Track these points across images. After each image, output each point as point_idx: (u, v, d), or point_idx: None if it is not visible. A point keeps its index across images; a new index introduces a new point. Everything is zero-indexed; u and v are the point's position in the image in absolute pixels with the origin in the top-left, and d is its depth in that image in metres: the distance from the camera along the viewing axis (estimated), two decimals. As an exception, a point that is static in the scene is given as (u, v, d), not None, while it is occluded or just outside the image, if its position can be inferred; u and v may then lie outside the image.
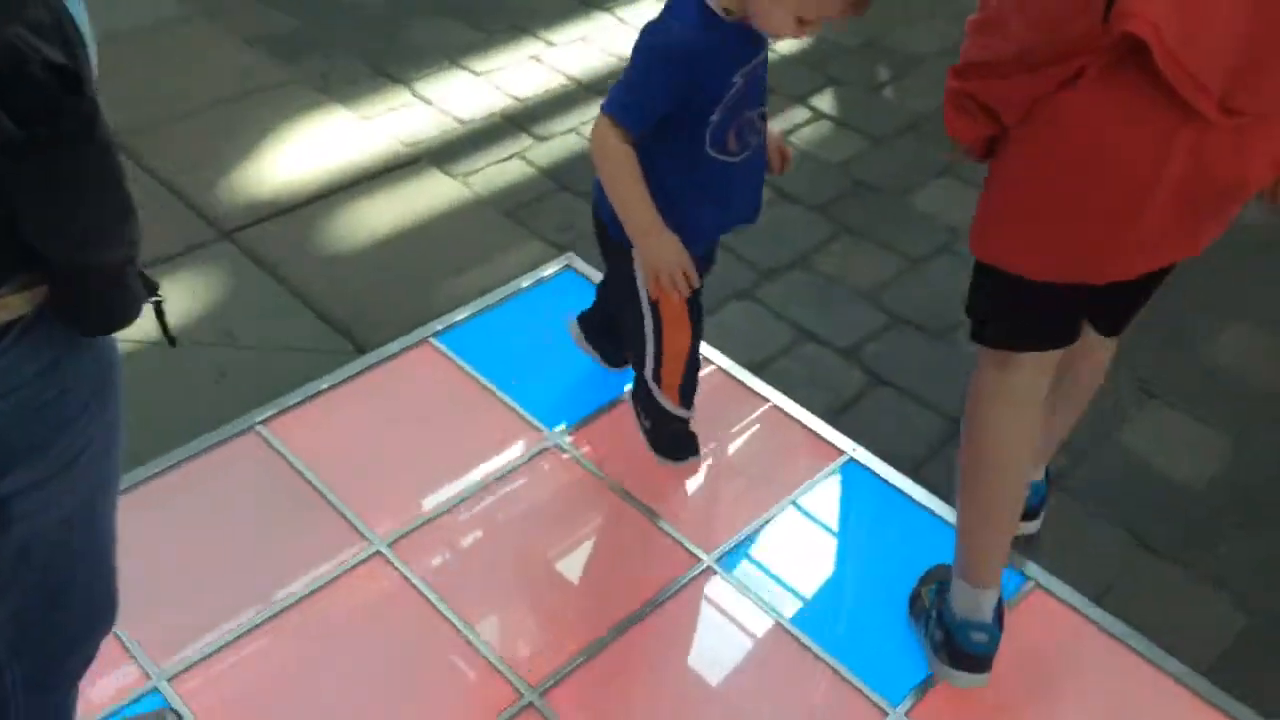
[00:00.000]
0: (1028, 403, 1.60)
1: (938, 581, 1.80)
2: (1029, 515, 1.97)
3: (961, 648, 1.68)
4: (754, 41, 1.62)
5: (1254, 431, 2.27)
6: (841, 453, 2.15)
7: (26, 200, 0.76)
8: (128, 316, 0.89)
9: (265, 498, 2.00)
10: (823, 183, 2.90)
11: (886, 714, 1.72)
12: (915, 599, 1.83)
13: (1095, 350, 1.74)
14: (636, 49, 1.58)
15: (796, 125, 3.13)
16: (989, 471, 1.62)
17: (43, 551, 0.92)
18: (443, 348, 2.31)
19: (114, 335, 0.93)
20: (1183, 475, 2.17)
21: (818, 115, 3.17)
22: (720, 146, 1.67)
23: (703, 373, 2.07)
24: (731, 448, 2.18)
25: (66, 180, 0.77)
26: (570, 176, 2.85)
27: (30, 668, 1.00)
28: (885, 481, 2.10)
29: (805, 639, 1.80)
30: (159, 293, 0.97)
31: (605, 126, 1.60)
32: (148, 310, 0.97)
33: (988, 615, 1.68)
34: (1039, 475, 2.00)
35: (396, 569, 1.88)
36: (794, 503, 2.05)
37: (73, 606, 1.02)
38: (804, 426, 2.20)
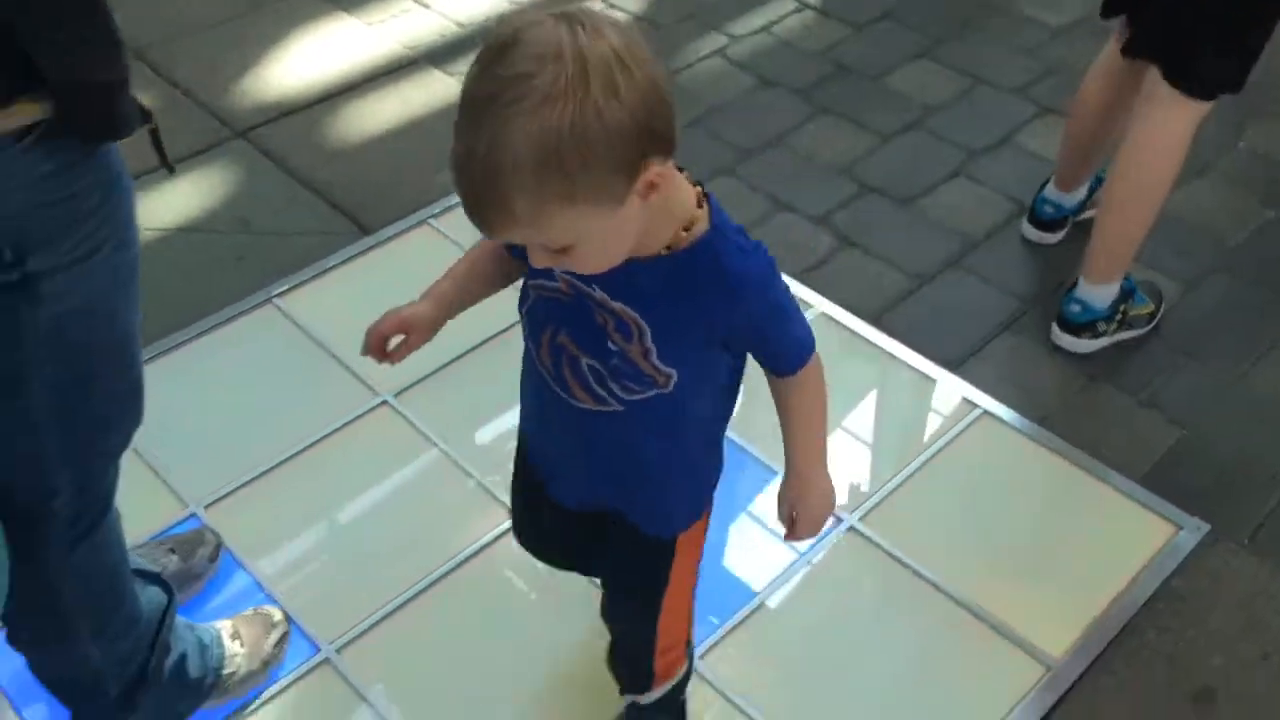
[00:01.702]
0: None
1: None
2: (1047, 227, 2.47)
3: (1035, 210, 2.47)
4: None
5: (1202, 277, 2.42)
6: (810, 306, 2.32)
7: (18, 16, 0.92)
8: (121, 133, 1.05)
9: (282, 361, 2.21)
10: (804, 68, 3.04)
11: (841, 521, 1.92)
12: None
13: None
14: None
15: (782, 16, 3.25)
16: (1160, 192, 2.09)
17: (71, 333, 1.11)
18: (440, 228, 2.50)
19: (119, 153, 1.11)
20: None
21: (803, 6, 3.29)
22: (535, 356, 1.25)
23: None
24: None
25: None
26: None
27: (68, 435, 1.20)
28: (850, 330, 2.28)
29: (759, 457, 2.00)
30: (153, 119, 1.14)
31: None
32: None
33: (1063, 203, 2.43)
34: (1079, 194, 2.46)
35: (402, 416, 2.09)
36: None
37: (100, 392, 1.21)
38: (776, 285, 2.37)
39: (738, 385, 1.26)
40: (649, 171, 0.95)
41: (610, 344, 1.14)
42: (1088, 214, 2.48)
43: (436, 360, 2.18)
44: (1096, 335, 2.22)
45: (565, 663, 1.75)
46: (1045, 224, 2.46)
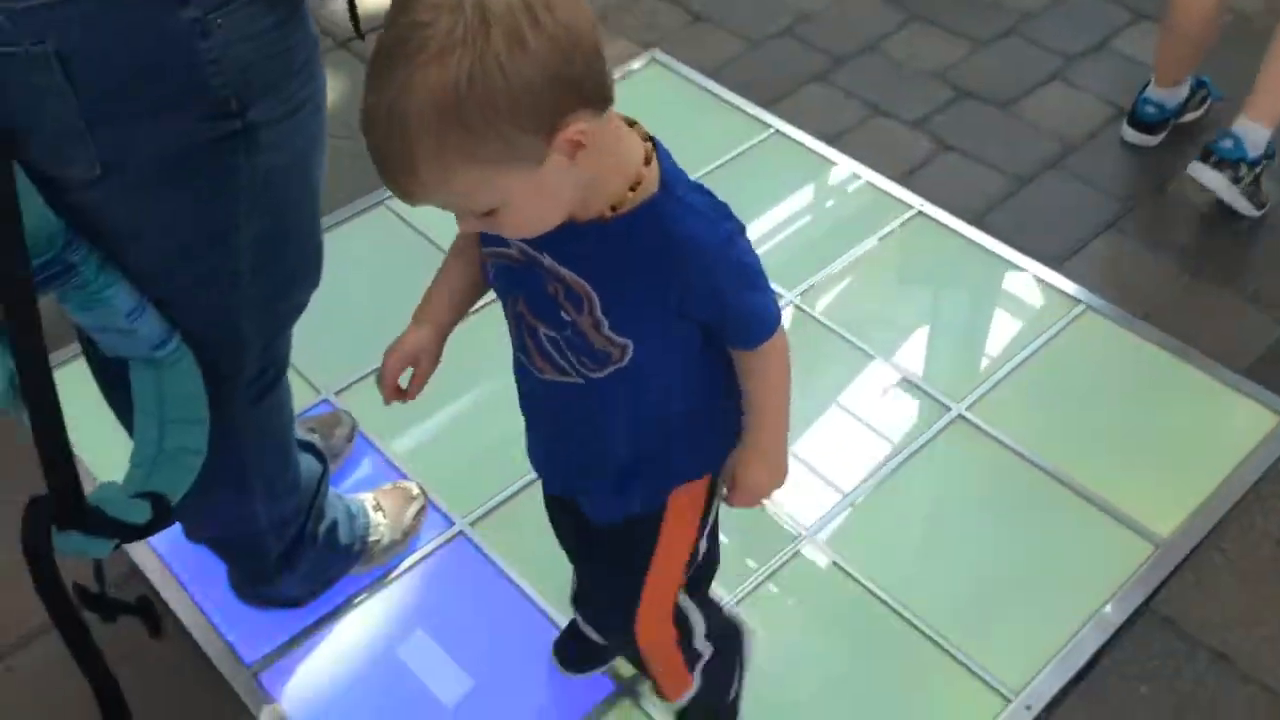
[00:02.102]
0: None
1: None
2: (1149, 129, 2.49)
3: (1136, 113, 2.48)
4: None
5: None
6: (910, 208, 2.36)
7: None
8: None
9: (394, 257, 2.28)
10: (894, -23, 3.03)
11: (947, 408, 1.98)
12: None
13: None
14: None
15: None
16: None
17: (276, 186, 1.18)
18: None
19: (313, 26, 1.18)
20: (1231, 215, 2.34)
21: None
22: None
23: (785, 149, 2.28)
24: (805, 207, 2.41)
25: None
26: (653, -19, 3.03)
27: (263, 289, 1.28)
28: (952, 230, 2.32)
29: (878, 358, 2.06)
30: None
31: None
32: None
33: (1165, 101, 2.44)
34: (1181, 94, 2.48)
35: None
36: (869, 251, 2.28)
37: (294, 249, 1.29)
38: (875, 187, 2.41)
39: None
40: (570, 129, 0.86)
41: (563, 314, 1.04)
42: (1189, 116, 2.49)
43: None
44: (1236, 179, 2.24)
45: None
46: (1147, 126, 2.47)
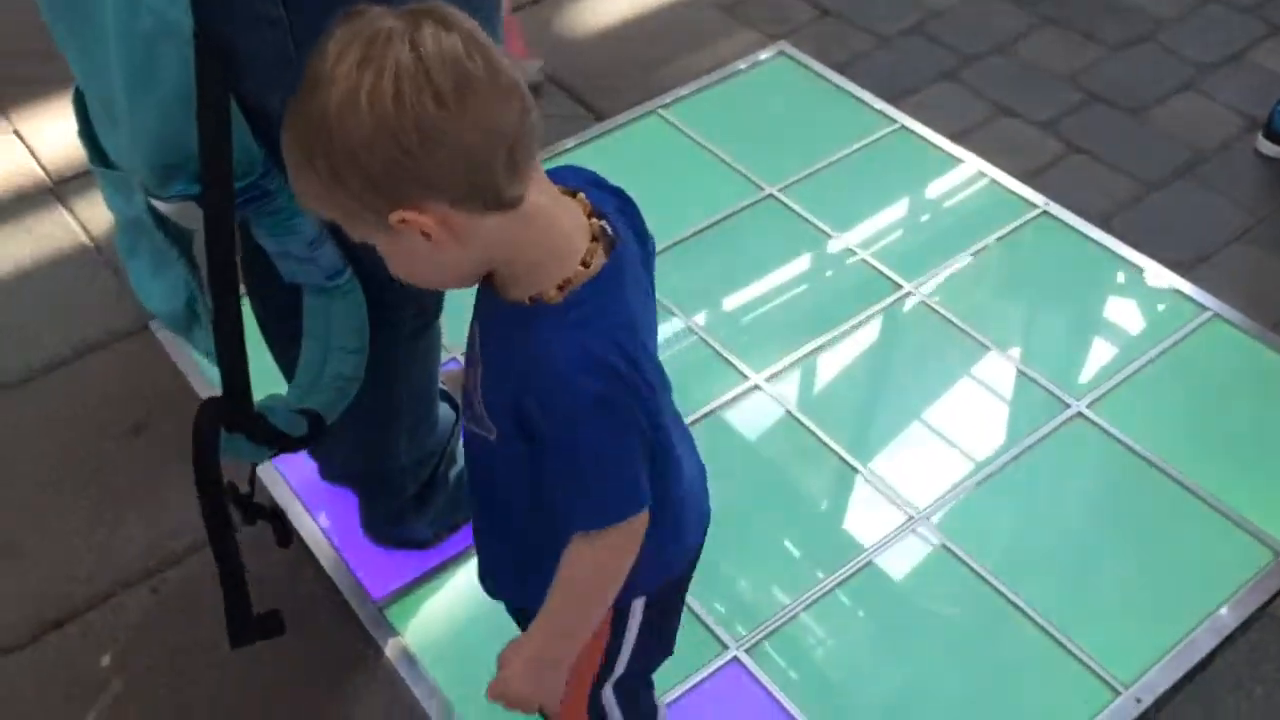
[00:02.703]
0: None
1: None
2: None
3: (1274, 125, 2.44)
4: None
5: None
6: (1035, 207, 2.37)
7: None
8: None
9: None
10: (1026, -20, 3.03)
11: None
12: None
13: None
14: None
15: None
16: None
17: None
18: (669, 116, 2.61)
19: None
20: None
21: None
22: None
23: (909, 145, 2.30)
24: (928, 202, 2.42)
25: None
26: (784, -26, 3.07)
27: None
28: (1077, 231, 2.31)
29: (997, 352, 2.07)
30: None
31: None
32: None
33: None
34: None
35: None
36: (992, 247, 2.29)
37: None
38: (1000, 185, 2.42)
39: None
40: (401, 214, 0.83)
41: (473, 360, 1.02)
42: None
43: (667, 242, 2.30)
44: None
45: (800, 513, 1.87)
46: None
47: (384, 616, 1.73)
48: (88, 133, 1.24)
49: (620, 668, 1.21)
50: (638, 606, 1.15)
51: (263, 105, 1.10)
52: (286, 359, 1.44)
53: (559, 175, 0.99)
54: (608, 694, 1.26)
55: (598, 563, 0.99)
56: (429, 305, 1.44)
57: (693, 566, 1.23)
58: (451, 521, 1.80)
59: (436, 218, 0.84)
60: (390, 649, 1.69)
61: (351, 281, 1.28)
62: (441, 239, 0.86)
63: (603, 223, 0.95)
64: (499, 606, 1.72)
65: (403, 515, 1.74)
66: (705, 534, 1.21)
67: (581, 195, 0.97)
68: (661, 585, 1.17)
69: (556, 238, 0.92)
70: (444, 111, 0.80)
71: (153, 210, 1.18)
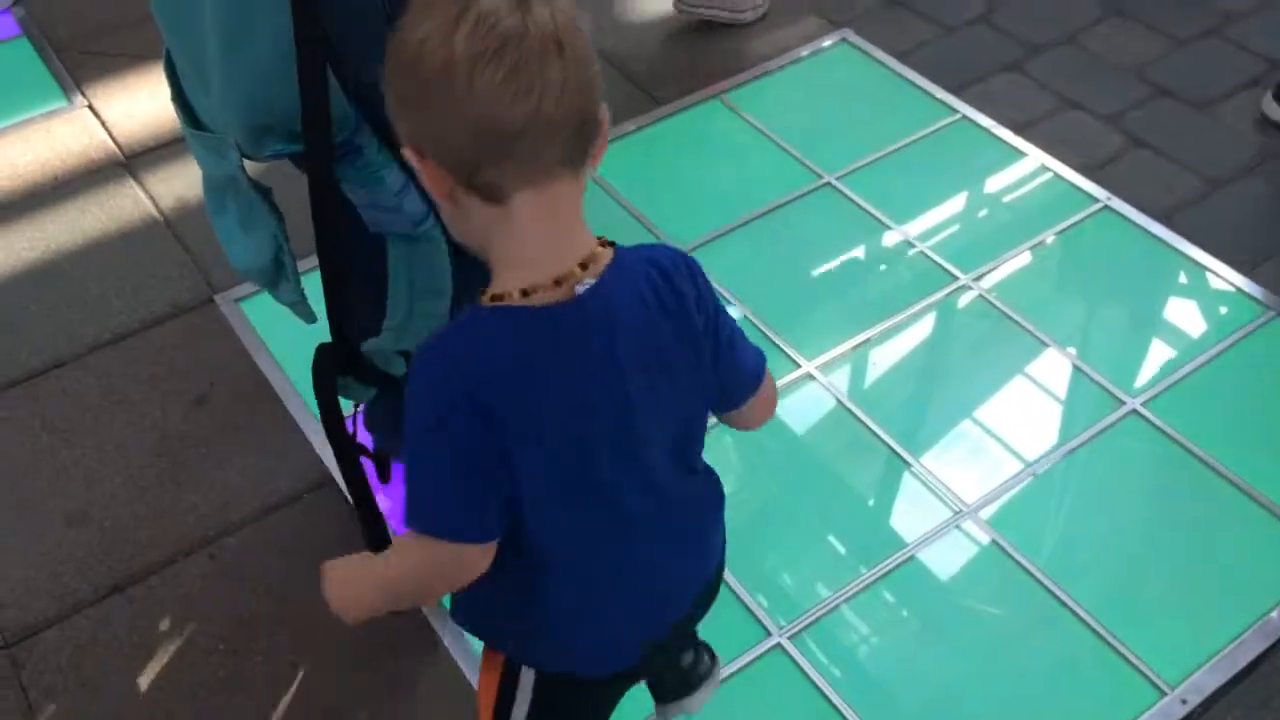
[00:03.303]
0: None
1: None
2: None
3: None
4: None
5: None
6: (1097, 201, 2.34)
7: None
8: None
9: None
10: (1095, -30, 2.99)
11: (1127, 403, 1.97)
12: None
13: None
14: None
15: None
16: None
17: None
18: (731, 101, 2.61)
19: None
20: None
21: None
22: None
23: (971, 136, 2.28)
24: (989, 193, 2.40)
25: None
26: (848, -39, 3.05)
27: None
28: (1138, 226, 2.29)
29: (1054, 347, 2.06)
30: None
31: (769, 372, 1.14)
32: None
33: None
34: None
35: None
36: (1051, 241, 2.27)
37: None
38: (1062, 178, 2.40)
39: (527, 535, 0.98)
40: (411, 150, 0.89)
41: None
42: None
43: (717, 229, 2.30)
44: None
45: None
46: None
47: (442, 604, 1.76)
48: (180, 98, 1.31)
49: None
50: (527, 677, 1.12)
51: (364, 78, 1.15)
52: (359, 309, 1.49)
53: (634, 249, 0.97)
54: None
55: (408, 559, 1.01)
56: None
57: (612, 686, 1.17)
58: None
59: (433, 172, 0.88)
60: (447, 634, 1.72)
61: (435, 227, 1.33)
62: (440, 195, 0.90)
63: (584, 278, 0.91)
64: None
65: None
66: (631, 664, 1.12)
67: (608, 245, 0.94)
68: (558, 673, 1.11)
69: (531, 249, 0.90)
70: (452, 81, 0.82)
71: (244, 168, 1.26)
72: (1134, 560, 1.79)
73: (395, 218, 1.29)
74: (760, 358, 1.10)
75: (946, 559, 1.79)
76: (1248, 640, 1.67)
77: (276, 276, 1.40)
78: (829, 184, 2.39)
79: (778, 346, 2.08)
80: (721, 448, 1.93)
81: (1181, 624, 1.70)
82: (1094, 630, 1.69)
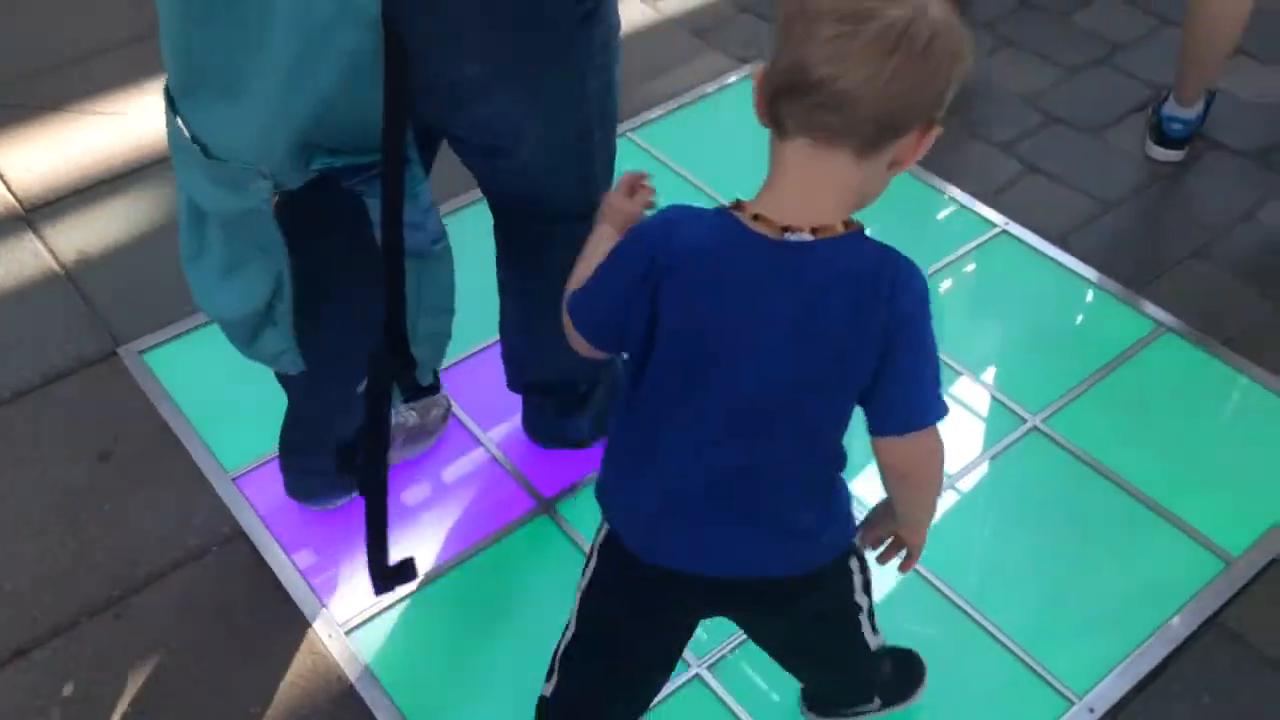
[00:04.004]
0: None
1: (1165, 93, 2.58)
2: (1177, 145, 2.54)
3: (1163, 131, 2.52)
4: None
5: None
6: (995, 226, 2.40)
7: None
8: None
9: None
10: (990, 3, 3.08)
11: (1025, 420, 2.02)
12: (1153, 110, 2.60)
13: None
14: (929, 314, 1.07)
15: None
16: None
17: (607, 45, 1.37)
18: (638, 139, 2.64)
19: None
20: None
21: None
22: None
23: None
24: (891, 223, 2.45)
25: None
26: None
27: (604, 144, 1.47)
28: (1035, 249, 2.35)
29: (955, 367, 2.10)
30: None
31: (939, 438, 1.13)
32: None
33: (1188, 117, 2.50)
34: (1199, 108, 2.54)
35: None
36: (951, 266, 2.33)
37: (613, 100, 1.46)
38: (961, 205, 2.46)
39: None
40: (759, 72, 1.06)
41: None
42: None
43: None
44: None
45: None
46: (1177, 143, 2.54)
47: (349, 641, 1.74)
48: (180, 137, 1.31)
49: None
50: (598, 537, 1.27)
51: (451, 77, 1.25)
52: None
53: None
54: None
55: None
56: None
57: (649, 603, 1.25)
58: (605, 423, 1.92)
59: (758, 88, 1.02)
60: (354, 672, 1.70)
61: (447, 247, 1.40)
62: (757, 109, 1.03)
63: (803, 233, 1.03)
64: (460, 634, 1.75)
65: (569, 412, 1.88)
66: (645, 563, 1.20)
67: (853, 226, 1.05)
68: (610, 535, 1.24)
69: (781, 189, 1.03)
70: (799, 21, 0.95)
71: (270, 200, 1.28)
72: (1040, 573, 1.82)
73: (418, 236, 1.33)
74: (928, 412, 1.09)
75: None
76: (1150, 647, 1.71)
77: (262, 323, 1.40)
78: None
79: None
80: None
81: (1087, 634, 1.74)
82: (1002, 644, 1.72)
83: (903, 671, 1.60)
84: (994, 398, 2.07)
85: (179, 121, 1.30)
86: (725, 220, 1.05)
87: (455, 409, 2.06)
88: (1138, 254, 2.34)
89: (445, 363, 2.13)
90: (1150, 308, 2.22)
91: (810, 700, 1.60)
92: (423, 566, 1.82)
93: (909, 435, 1.09)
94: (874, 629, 1.39)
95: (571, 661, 1.32)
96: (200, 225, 1.41)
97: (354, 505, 1.91)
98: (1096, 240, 2.38)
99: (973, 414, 2.06)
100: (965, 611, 1.76)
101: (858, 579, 1.30)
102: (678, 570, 1.19)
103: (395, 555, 1.52)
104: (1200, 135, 2.58)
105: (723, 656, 1.71)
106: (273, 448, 1.98)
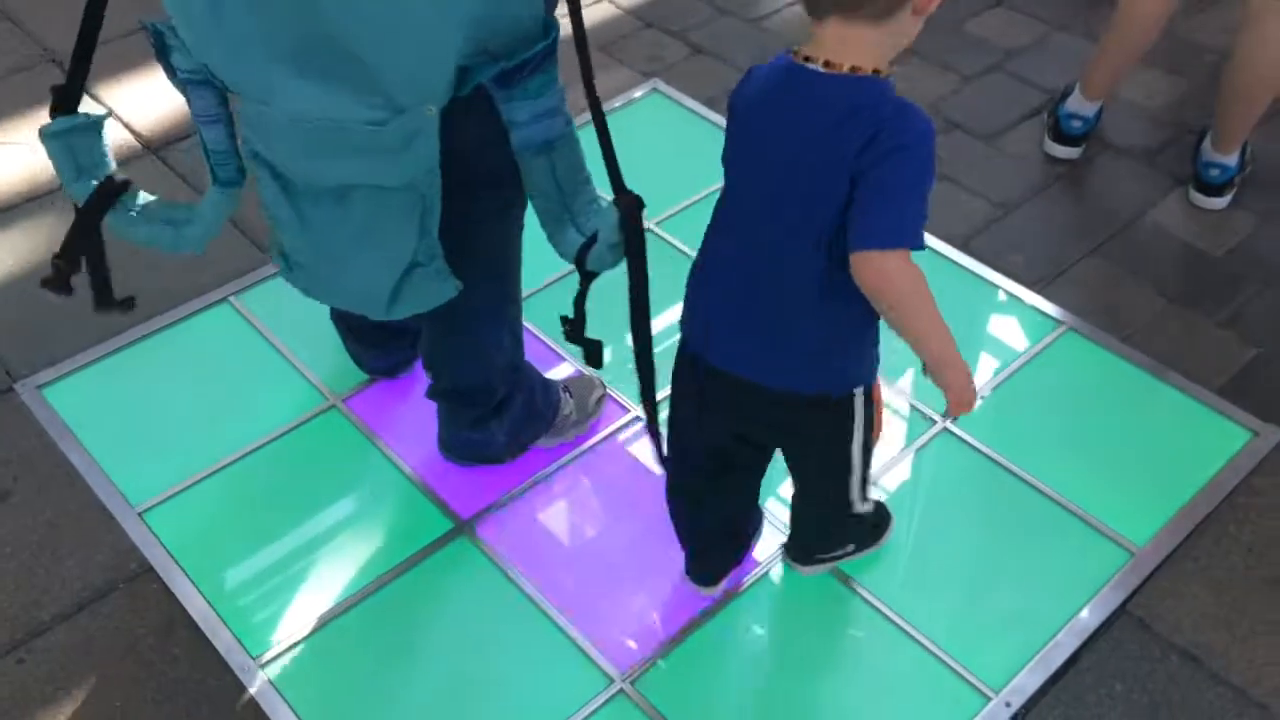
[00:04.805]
0: None
1: (1064, 89, 2.68)
2: (1075, 142, 2.62)
3: (1061, 129, 2.61)
4: None
5: (1276, 209, 2.51)
6: (899, 232, 2.45)
7: None
8: None
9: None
10: (886, 14, 3.15)
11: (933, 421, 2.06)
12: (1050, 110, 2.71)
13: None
14: (916, 156, 1.23)
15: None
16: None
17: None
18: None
19: None
20: (1205, 245, 2.43)
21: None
22: None
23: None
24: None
25: None
26: (655, 14, 3.13)
27: None
28: (940, 254, 2.40)
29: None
30: None
31: (902, 262, 1.24)
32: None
33: (1088, 114, 2.59)
34: (1095, 107, 2.62)
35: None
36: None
37: None
38: (866, 213, 2.50)
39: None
40: None
41: None
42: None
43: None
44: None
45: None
46: (1074, 139, 2.62)
47: (264, 674, 1.71)
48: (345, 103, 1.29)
49: None
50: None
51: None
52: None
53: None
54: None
55: None
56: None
57: (693, 364, 1.50)
58: (521, 439, 1.95)
59: None
60: (271, 708, 1.66)
61: (572, 123, 1.42)
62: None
63: (817, 63, 1.25)
64: (377, 663, 1.72)
65: (485, 421, 1.87)
66: (692, 336, 1.49)
67: (874, 72, 1.25)
68: (683, 343, 1.52)
69: (821, 48, 1.25)
70: None
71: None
72: (953, 571, 1.86)
73: (555, 121, 1.37)
74: (889, 235, 1.23)
75: (776, 587, 1.83)
76: (1062, 640, 1.75)
77: (400, 287, 1.45)
78: (650, 230, 2.43)
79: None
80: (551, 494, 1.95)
81: (1001, 629, 1.77)
82: (918, 643, 1.74)
83: (876, 516, 1.81)
84: (904, 400, 2.11)
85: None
86: (781, 60, 1.29)
87: (368, 432, 2.03)
88: (1037, 255, 2.40)
89: (355, 385, 2.11)
90: (1051, 307, 2.28)
91: (791, 550, 1.82)
92: (338, 594, 1.80)
93: (866, 253, 1.24)
94: (864, 497, 1.64)
95: (671, 448, 1.62)
96: (328, 205, 1.41)
97: (261, 537, 1.88)
98: (997, 243, 2.43)
99: (884, 417, 2.09)
100: (882, 612, 1.78)
101: (858, 434, 1.50)
102: (716, 367, 1.44)
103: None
104: (1094, 136, 2.66)
105: (646, 669, 1.71)
106: (179, 479, 1.94)
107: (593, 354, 1.54)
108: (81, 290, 1.54)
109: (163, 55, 1.35)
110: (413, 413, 2.05)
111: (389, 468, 1.99)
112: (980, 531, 1.92)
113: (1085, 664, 1.72)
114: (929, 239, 2.43)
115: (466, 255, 1.49)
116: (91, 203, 1.44)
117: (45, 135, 1.42)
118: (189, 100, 1.38)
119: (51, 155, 1.44)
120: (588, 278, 1.45)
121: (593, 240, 1.42)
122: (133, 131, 2.70)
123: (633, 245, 1.39)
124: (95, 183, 1.45)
